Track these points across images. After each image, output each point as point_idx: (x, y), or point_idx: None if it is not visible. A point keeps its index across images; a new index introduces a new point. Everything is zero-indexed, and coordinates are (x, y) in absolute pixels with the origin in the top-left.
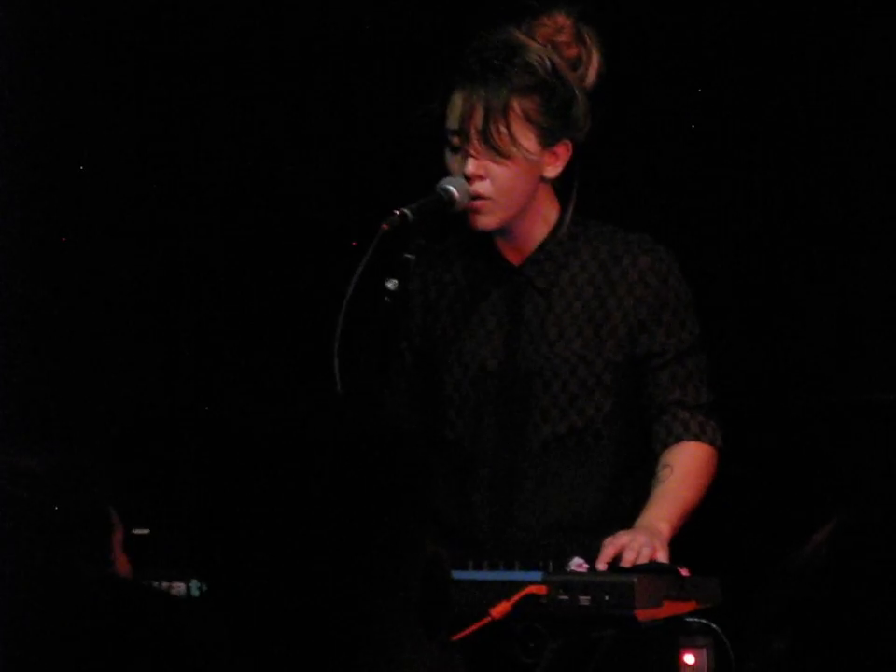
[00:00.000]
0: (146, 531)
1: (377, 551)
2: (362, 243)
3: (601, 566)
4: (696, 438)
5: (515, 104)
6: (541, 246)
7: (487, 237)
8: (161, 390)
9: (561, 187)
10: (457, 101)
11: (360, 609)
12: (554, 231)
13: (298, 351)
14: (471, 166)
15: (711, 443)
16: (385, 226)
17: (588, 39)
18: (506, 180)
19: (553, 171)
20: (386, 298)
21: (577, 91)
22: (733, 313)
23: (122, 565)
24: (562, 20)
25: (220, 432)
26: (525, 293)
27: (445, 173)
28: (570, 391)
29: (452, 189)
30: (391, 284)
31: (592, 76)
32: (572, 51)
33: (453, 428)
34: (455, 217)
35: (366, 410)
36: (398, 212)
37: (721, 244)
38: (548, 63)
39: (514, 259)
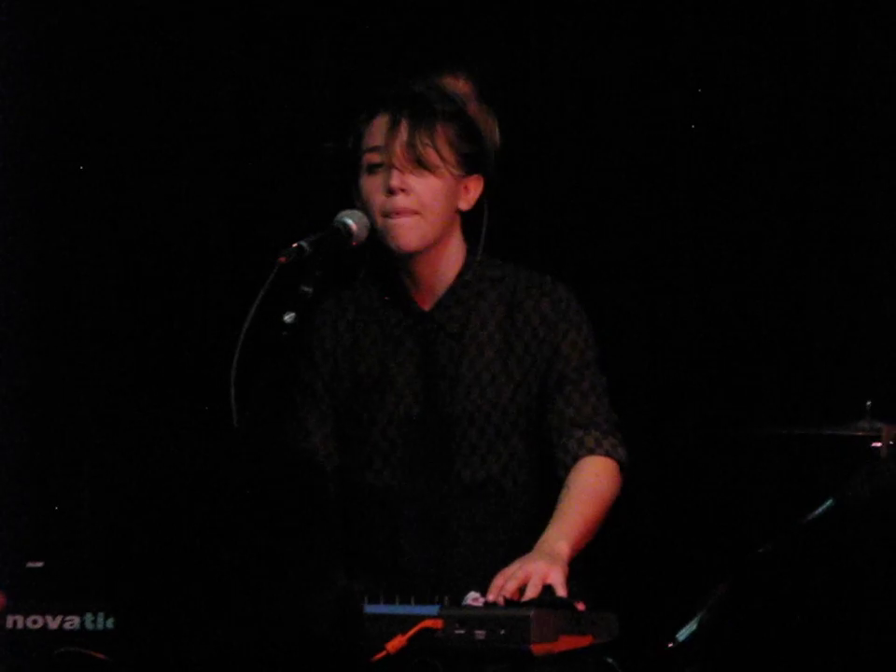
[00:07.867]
0: (39, 564)
1: (285, 584)
2: (259, 276)
3: (490, 598)
4: (591, 452)
5: (438, 126)
6: (450, 291)
7: (396, 281)
8: (62, 419)
9: (468, 231)
10: (381, 122)
11: (268, 642)
12: (461, 274)
13: (195, 385)
14: (395, 179)
15: (608, 455)
16: (281, 259)
17: (484, 114)
18: (428, 193)
19: (465, 204)
20: (284, 332)
21: (491, 122)
22: (639, 341)
23: None
24: (462, 84)
25: (123, 465)
26: (437, 339)
27: (343, 206)
28: (488, 437)
29: (350, 221)
30: (289, 317)
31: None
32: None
33: (379, 475)
34: (354, 252)
35: (267, 442)
36: (295, 245)
37: (629, 271)
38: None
39: (424, 303)
